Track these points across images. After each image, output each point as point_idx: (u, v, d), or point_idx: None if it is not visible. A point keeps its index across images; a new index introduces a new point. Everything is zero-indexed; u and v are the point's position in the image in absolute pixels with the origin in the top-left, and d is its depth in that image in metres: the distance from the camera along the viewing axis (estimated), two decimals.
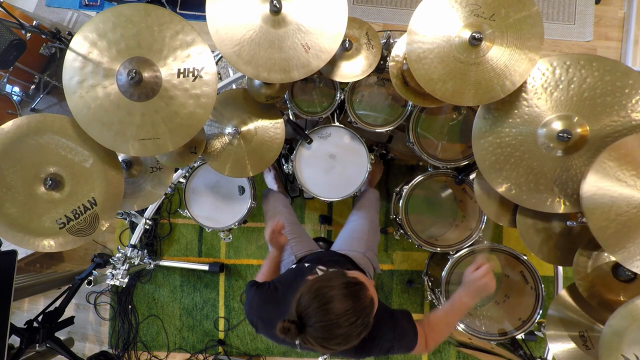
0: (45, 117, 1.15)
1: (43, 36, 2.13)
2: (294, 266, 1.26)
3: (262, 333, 1.04)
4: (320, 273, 1.11)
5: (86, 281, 1.72)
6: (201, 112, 1.12)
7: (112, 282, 1.83)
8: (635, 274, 1.22)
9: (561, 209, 1.20)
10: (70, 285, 1.88)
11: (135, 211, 1.92)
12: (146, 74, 1.07)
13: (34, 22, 2.06)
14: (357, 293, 0.83)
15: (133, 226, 2.22)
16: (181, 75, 1.10)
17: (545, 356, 1.69)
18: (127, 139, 1.11)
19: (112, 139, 1.12)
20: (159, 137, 1.12)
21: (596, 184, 1.05)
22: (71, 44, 1.07)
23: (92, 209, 1.19)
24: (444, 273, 1.57)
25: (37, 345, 1.70)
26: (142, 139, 1.12)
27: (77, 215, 1.18)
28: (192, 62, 1.10)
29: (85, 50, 1.07)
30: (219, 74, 1.93)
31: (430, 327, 1.06)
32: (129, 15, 1.07)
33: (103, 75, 1.08)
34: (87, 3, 2.46)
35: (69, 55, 1.07)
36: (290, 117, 1.72)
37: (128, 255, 1.92)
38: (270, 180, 2.06)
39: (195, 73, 1.10)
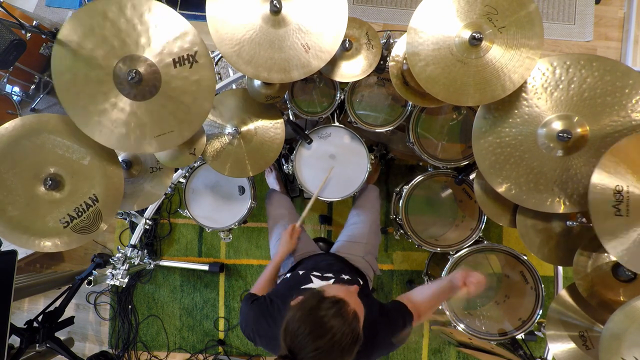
0: (39, 118, 1.14)
1: (43, 36, 2.11)
2: (288, 275, 1.25)
3: (261, 347, 1.04)
4: (314, 280, 1.12)
5: (86, 281, 1.72)
6: (205, 95, 1.12)
7: (112, 282, 1.83)
8: (635, 273, 1.22)
9: (561, 209, 1.20)
10: (70, 285, 1.88)
11: (135, 211, 1.92)
12: (142, 70, 1.05)
13: (34, 22, 2.05)
14: (339, 312, 0.82)
15: (133, 226, 2.21)
16: (177, 65, 1.08)
17: (545, 356, 1.69)
18: (143, 139, 1.12)
19: (133, 142, 1.12)
20: (173, 130, 1.13)
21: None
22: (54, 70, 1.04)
23: (95, 206, 1.19)
24: (443, 273, 1.57)
25: (37, 345, 1.70)
26: (158, 136, 1.12)
27: (80, 213, 1.18)
28: (182, 46, 1.07)
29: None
30: (218, 74, 1.93)
31: (423, 310, 1.11)
32: (104, 12, 1.05)
33: None
34: (87, 3, 2.45)
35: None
36: (290, 117, 1.72)
37: (128, 255, 1.91)
38: (272, 181, 2.06)
39: (190, 59, 1.08)
